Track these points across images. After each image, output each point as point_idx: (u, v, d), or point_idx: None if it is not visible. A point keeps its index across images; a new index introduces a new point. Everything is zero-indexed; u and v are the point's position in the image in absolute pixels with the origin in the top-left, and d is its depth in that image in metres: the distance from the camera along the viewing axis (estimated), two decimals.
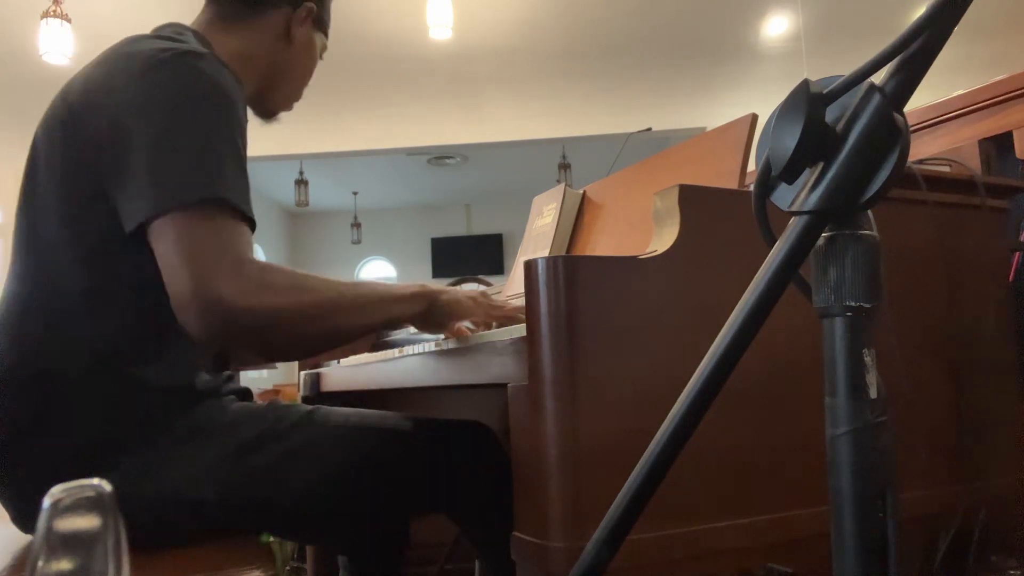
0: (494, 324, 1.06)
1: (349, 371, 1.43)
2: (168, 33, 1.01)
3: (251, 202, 0.92)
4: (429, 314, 1.02)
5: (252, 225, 0.91)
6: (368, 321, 0.98)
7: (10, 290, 0.97)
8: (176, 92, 0.89)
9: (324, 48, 1.23)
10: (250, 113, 1.14)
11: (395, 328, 1.10)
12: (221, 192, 0.86)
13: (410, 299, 1.00)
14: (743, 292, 0.50)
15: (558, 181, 6.69)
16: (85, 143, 0.91)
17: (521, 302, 0.86)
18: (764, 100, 5.46)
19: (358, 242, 9.55)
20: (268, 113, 1.21)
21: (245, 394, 1.12)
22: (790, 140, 0.47)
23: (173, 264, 0.84)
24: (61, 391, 0.92)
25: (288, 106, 1.23)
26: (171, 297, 0.85)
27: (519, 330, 0.83)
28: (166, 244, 0.85)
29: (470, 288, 1.09)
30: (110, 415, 0.92)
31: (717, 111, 5.83)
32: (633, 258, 0.84)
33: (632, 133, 1.84)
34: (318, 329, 0.94)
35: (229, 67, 0.96)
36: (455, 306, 1.02)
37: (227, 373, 1.12)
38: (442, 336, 1.06)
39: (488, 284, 2.23)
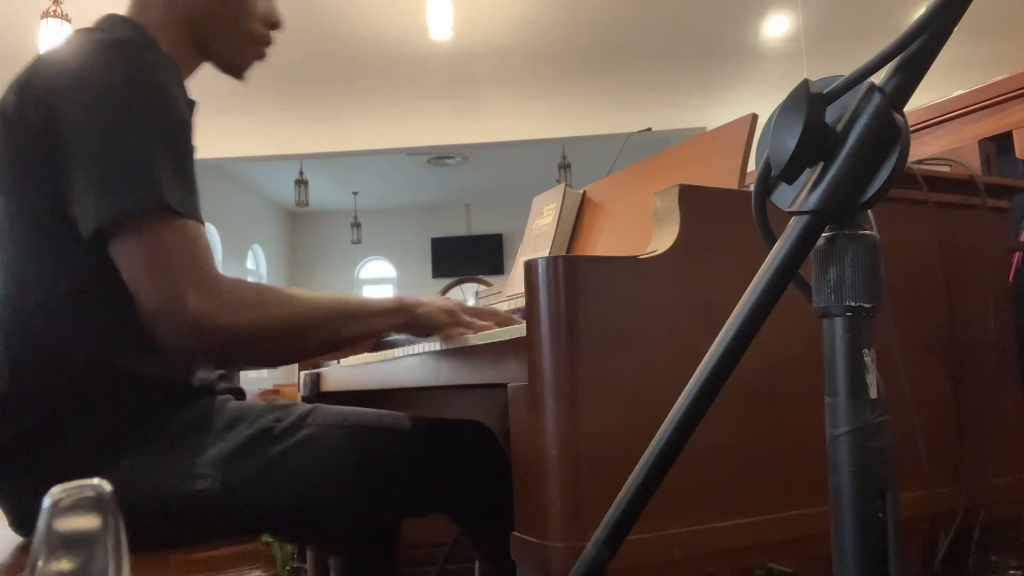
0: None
1: (349, 371, 1.43)
2: (102, 25, 0.98)
3: (197, 201, 0.90)
4: (410, 327, 1.02)
5: (200, 223, 0.89)
6: (344, 335, 0.98)
7: None
8: (109, 91, 0.87)
9: None
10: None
11: (379, 338, 1.10)
12: (162, 197, 0.85)
13: (387, 313, 1.00)
14: (743, 292, 0.50)
15: (558, 181, 6.70)
16: (25, 148, 0.89)
17: (514, 301, 0.86)
18: (764, 100, 5.46)
19: (358, 242, 9.55)
20: (232, 70, 1.11)
21: (238, 394, 1.12)
22: (790, 140, 0.47)
23: (139, 281, 0.85)
24: (56, 397, 0.91)
25: (247, 52, 1.09)
26: (140, 313, 0.85)
27: (519, 330, 0.83)
28: (127, 259, 0.85)
29: (450, 299, 1.08)
30: (107, 415, 0.92)
31: (717, 111, 5.83)
32: (633, 258, 0.84)
33: (632, 133, 1.84)
34: (289, 345, 0.95)
35: (161, 49, 0.93)
36: (430, 320, 1.02)
37: (219, 371, 1.11)
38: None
39: (488, 284, 2.24)
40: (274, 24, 1.10)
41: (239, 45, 1.08)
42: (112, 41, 0.91)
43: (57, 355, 0.92)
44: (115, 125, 0.86)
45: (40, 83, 0.90)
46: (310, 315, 0.94)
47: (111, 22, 1.00)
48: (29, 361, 0.92)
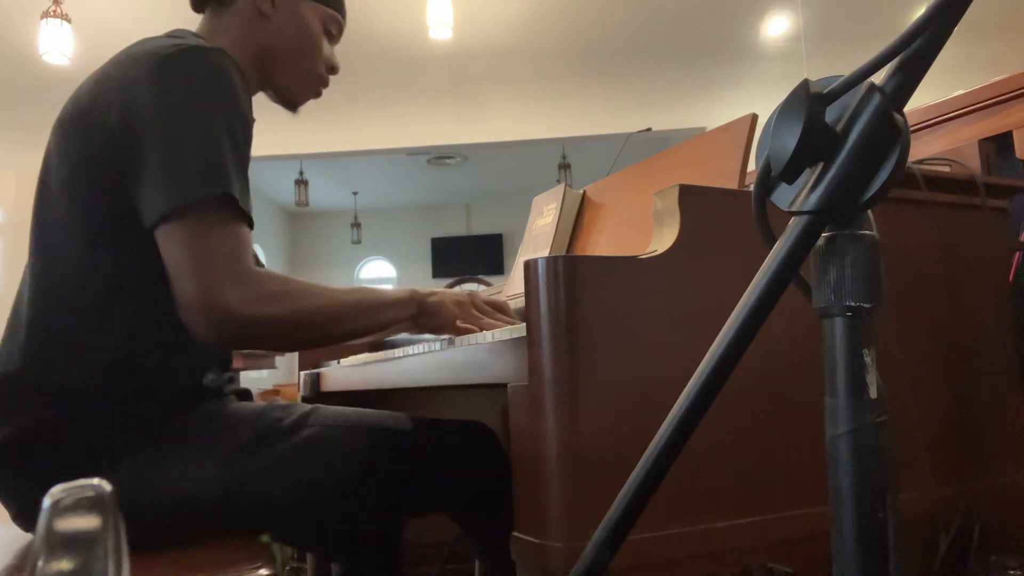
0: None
1: (349, 371, 1.43)
2: (176, 34, 1.03)
3: (250, 199, 0.93)
4: (420, 316, 1.05)
5: (251, 224, 0.92)
6: (363, 326, 1.01)
7: (24, 292, 0.98)
8: (183, 87, 0.90)
9: (334, 21, 1.15)
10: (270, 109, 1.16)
11: (389, 332, 1.13)
12: (228, 190, 0.87)
13: (402, 303, 1.04)
14: (743, 292, 0.50)
15: (558, 181, 6.69)
16: (97, 141, 0.92)
17: (514, 301, 0.87)
18: (764, 100, 5.45)
19: (358, 242, 9.55)
20: (289, 103, 1.17)
21: (245, 395, 1.12)
22: (790, 140, 0.47)
23: (182, 269, 0.86)
24: (68, 392, 0.92)
25: (307, 88, 1.16)
26: (177, 300, 0.87)
27: (519, 330, 0.83)
28: (175, 247, 0.87)
29: (461, 290, 1.10)
30: (114, 415, 0.93)
31: (717, 111, 5.82)
32: (633, 258, 0.84)
33: (632, 133, 1.84)
34: (315, 334, 0.99)
35: (233, 58, 0.96)
36: (440, 307, 1.05)
37: (228, 374, 1.12)
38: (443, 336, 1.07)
39: (488, 284, 2.24)
40: (333, 68, 1.17)
41: (303, 82, 1.15)
42: (188, 45, 0.94)
43: (77, 351, 0.93)
44: (188, 116, 0.89)
45: (117, 76, 0.93)
46: (335, 306, 0.97)
47: (184, 34, 1.03)
48: (47, 354, 0.93)
